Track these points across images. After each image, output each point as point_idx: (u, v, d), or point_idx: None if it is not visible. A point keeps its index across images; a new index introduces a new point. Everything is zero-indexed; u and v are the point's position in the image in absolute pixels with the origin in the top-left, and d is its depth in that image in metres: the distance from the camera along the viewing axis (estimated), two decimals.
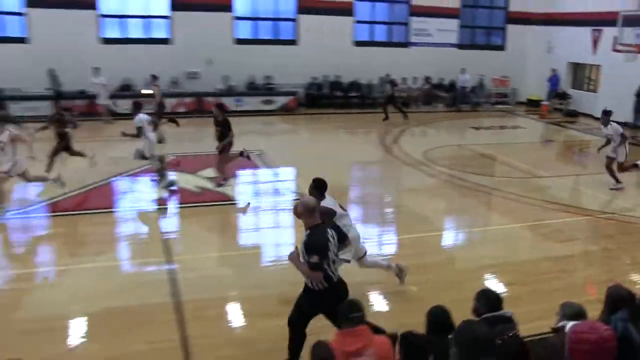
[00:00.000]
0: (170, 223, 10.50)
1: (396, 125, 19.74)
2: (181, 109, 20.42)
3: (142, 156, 11.79)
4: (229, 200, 11.40)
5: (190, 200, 11.36)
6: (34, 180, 10.76)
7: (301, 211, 5.31)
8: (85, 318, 6.63)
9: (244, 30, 22.45)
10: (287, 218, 10.07)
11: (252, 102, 21.60)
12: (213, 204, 11.24)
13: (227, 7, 21.68)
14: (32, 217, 10.34)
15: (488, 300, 4.46)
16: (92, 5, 20.21)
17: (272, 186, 12.77)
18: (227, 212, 10.95)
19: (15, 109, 17.80)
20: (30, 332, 6.26)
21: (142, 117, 11.75)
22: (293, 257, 5.32)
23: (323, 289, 5.26)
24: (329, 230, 5.34)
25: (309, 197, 5.63)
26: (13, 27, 19.86)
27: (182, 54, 20.94)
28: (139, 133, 11.63)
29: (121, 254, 8.91)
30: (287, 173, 13.94)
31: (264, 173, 13.61)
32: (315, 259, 5.06)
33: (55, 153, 11.93)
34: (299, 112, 22.03)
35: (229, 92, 21.52)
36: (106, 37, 20.65)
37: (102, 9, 20.54)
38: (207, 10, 20.94)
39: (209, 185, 11.99)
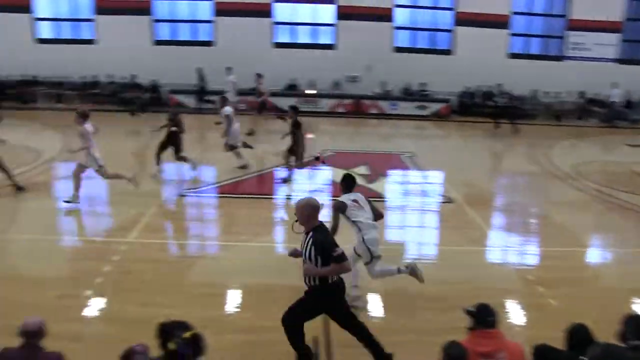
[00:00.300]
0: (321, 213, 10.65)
1: (547, 137, 18.69)
2: (340, 110, 20.83)
3: (245, 144, 13.02)
4: (378, 197, 11.30)
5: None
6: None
7: (307, 212, 5.07)
8: (240, 289, 7.01)
9: (403, 39, 22.39)
10: (432, 218, 9.83)
11: (407, 107, 21.50)
12: None
13: (388, 18, 21.73)
14: (203, 196, 11.11)
15: (639, 327, 3.94)
16: (267, 14, 21.25)
17: (420, 187, 12.57)
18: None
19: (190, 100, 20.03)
20: (195, 296, 6.75)
21: (228, 110, 12.55)
22: (315, 270, 5.02)
23: (319, 286, 5.06)
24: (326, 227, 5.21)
25: (311, 198, 5.29)
26: (204, 33, 21.63)
27: (344, 59, 21.33)
28: (226, 122, 12.48)
29: (275, 236, 9.31)
30: (436, 176, 13.63)
31: (413, 174, 13.45)
32: (339, 250, 4.91)
33: (162, 148, 11.88)
34: (451, 119, 21.56)
35: (386, 96, 21.68)
36: (277, 41, 21.59)
37: (277, 17, 21.54)
38: (370, 20, 21.12)
39: (361, 181, 12.01)
